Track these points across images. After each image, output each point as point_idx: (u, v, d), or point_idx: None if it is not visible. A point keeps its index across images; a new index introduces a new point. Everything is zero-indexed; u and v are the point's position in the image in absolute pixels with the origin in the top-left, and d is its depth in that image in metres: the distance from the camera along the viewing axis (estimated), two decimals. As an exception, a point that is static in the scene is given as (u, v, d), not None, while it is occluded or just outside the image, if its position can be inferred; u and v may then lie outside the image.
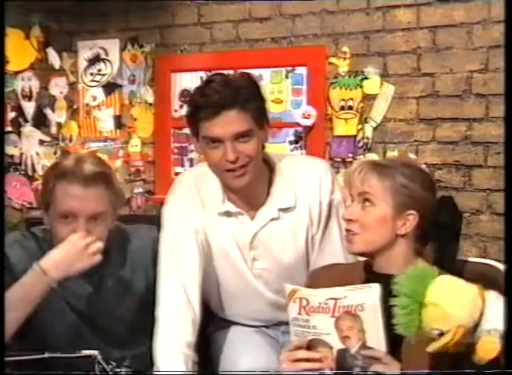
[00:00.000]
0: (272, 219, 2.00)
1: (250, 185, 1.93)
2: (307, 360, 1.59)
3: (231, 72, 3.19)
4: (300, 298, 1.63)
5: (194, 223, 2.00)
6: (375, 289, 1.58)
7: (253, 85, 1.95)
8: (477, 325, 1.43)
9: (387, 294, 1.60)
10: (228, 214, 2.02)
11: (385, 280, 1.66)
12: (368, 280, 1.72)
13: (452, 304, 1.44)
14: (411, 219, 1.71)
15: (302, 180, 2.02)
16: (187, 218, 2.01)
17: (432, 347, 1.46)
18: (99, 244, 1.81)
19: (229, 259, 2.04)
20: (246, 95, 1.86)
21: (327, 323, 1.58)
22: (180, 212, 2.02)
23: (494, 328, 1.40)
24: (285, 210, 2.00)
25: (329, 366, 1.56)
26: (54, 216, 1.84)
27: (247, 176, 1.90)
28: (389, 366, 1.54)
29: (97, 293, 1.94)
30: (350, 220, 1.72)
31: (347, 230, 1.74)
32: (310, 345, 1.60)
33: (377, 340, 1.56)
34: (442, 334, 1.44)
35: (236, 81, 1.91)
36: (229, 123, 1.84)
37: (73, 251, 1.76)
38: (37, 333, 1.90)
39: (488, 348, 1.40)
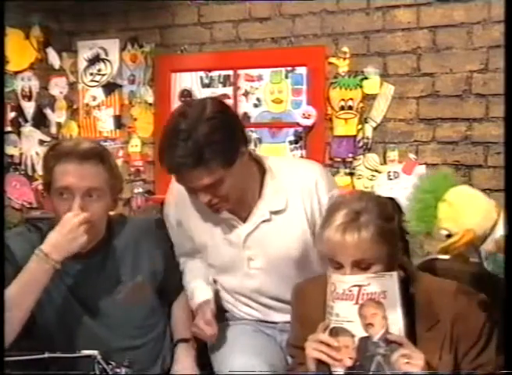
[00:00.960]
0: (264, 221, 2.01)
1: (232, 205, 1.96)
2: (328, 345, 1.58)
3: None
4: (332, 283, 1.62)
5: (194, 219, 2.06)
6: (394, 277, 1.59)
7: (220, 132, 1.85)
8: (487, 236, 1.47)
9: None
10: (218, 220, 2.03)
11: None
12: None
13: (466, 207, 1.49)
14: (400, 252, 1.70)
15: (296, 182, 2.01)
16: (185, 216, 2.07)
17: (438, 248, 1.49)
18: (93, 221, 1.86)
19: (226, 259, 2.06)
20: (211, 153, 1.80)
21: (350, 311, 1.58)
22: (178, 212, 2.09)
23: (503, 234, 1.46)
24: (276, 212, 2.01)
25: (349, 356, 1.56)
26: (53, 195, 1.89)
27: (223, 208, 1.94)
28: (413, 352, 1.54)
29: (98, 277, 1.96)
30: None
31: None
32: (331, 333, 1.59)
33: (397, 328, 1.56)
34: (449, 236, 1.48)
35: (200, 133, 1.81)
36: (194, 179, 1.83)
37: (68, 231, 1.80)
38: (40, 323, 1.91)
39: (498, 243, 1.45)
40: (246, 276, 2.06)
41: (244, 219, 2.02)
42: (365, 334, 1.57)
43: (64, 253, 1.80)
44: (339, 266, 1.65)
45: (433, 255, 2.12)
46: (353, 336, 1.57)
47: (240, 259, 2.05)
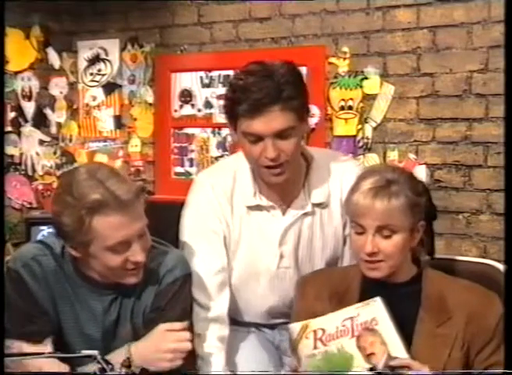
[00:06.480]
0: (305, 214, 1.96)
1: (287, 181, 1.90)
2: None
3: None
4: (315, 331, 1.61)
5: (213, 225, 1.97)
6: (379, 302, 1.59)
7: (296, 78, 1.85)
8: None
9: (387, 300, 1.61)
10: (259, 208, 1.97)
11: (384, 287, 1.67)
12: (364, 287, 1.73)
13: None
14: (421, 229, 1.72)
15: (337, 175, 1.97)
16: (205, 220, 1.97)
17: None
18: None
19: (257, 255, 2.00)
20: (289, 91, 1.78)
21: (348, 347, 1.57)
22: (198, 215, 1.98)
23: None
24: (318, 205, 1.96)
25: None
26: (100, 250, 1.70)
27: (286, 174, 1.86)
28: (421, 370, 1.53)
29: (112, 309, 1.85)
30: (373, 253, 1.66)
31: (369, 261, 1.66)
32: None
33: (399, 350, 1.55)
34: None
35: (278, 74, 1.80)
36: (270, 120, 1.77)
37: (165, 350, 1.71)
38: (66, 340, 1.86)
39: None
40: (273, 278, 2.01)
41: (284, 212, 1.96)
42: (368, 366, 1.55)
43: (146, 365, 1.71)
44: (362, 231, 1.66)
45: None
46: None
47: (271, 258, 1.99)
